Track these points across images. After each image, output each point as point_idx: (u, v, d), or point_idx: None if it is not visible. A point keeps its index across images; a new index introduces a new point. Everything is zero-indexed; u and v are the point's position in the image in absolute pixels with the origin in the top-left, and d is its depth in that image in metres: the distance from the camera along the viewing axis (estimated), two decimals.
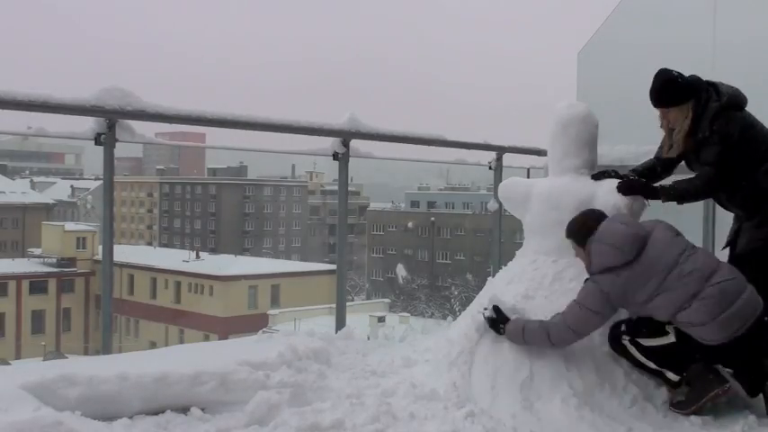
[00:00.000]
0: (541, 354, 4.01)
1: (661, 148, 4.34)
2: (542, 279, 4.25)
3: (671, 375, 3.84)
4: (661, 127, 4.21)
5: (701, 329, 3.67)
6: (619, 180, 4.20)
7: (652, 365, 3.85)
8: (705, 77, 5.41)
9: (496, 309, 3.97)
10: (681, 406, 3.78)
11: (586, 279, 3.89)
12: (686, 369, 3.81)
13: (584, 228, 3.92)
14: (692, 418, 3.71)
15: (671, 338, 3.79)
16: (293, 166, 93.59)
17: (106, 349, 4.45)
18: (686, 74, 4.07)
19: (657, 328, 3.82)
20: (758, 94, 5.36)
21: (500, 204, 5.23)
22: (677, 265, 3.74)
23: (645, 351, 3.83)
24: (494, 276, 4.67)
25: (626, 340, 3.86)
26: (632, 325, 3.86)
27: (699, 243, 5.31)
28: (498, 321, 3.95)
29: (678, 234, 3.88)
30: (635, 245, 3.77)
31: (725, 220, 5.36)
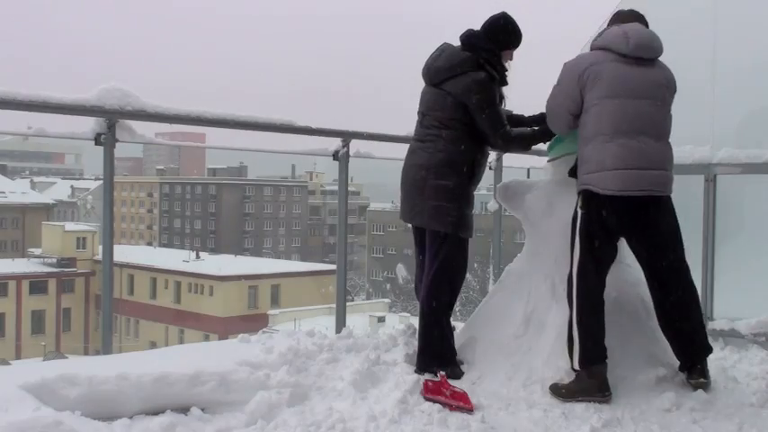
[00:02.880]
0: (540, 352, 4.03)
1: None
2: (544, 279, 4.28)
3: (575, 359, 3.83)
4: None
5: (602, 174, 3.79)
6: None
7: (574, 331, 3.84)
8: (706, 77, 5.44)
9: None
10: (561, 391, 3.81)
11: None
12: (593, 364, 3.80)
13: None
14: (692, 414, 3.70)
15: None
16: (293, 167, 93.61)
17: (106, 349, 4.44)
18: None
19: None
20: (759, 94, 5.38)
21: (500, 204, 5.23)
22: (643, 98, 3.83)
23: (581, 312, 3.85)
24: (494, 277, 4.68)
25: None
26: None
27: (699, 236, 5.33)
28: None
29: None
30: (642, 51, 3.88)
31: (726, 212, 5.37)
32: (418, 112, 4.33)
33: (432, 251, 4.20)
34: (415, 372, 4.03)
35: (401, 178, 4.33)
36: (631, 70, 3.88)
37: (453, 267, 4.19)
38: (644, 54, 3.92)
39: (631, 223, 3.92)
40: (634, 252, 4.08)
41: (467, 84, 4.08)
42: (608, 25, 4.18)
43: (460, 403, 3.65)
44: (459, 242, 4.18)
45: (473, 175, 4.22)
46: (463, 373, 4.10)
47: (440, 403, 3.64)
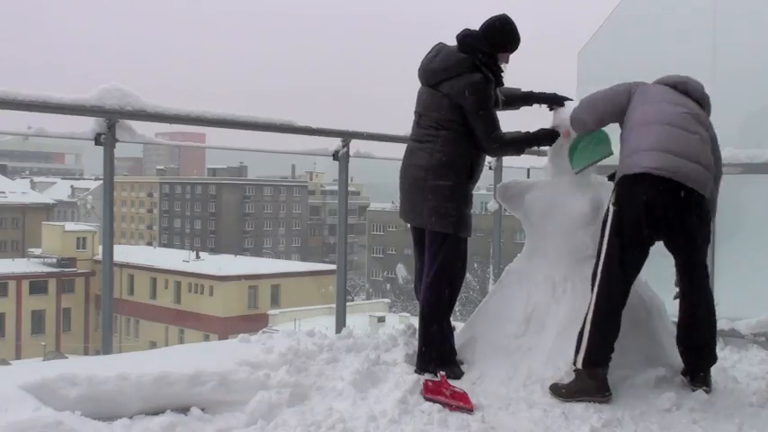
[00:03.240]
0: (539, 351, 4.03)
1: None
2: (544, 279, 4.28)
3: (580, 357, 3.83)
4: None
5: (638, 155, 3.82)
6: None
7: (586, 329, 3.83)
8: (705, 78, 5.42)
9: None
10: (561, 390, 3.81)
11: None
12: (597, 366, 3.80)
13: None
14: (692, 414, 3.70)
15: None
16: (293, 167, 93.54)
17: (106, 349, 4.44)
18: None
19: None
20: (759, 95, 5.38)
21: (500, 204, 5.23)
22: (684, 129, 3.88)
23: (596, 313, 3.83)
24: (494, 277, 4.68)
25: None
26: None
27: None
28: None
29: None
30: (687, 86, 4.04)
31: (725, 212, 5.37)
32: (415, 112, 4.32)
33: (431, 251, 4.20)
34: (415, 372, 4.04)
35: (400, 178, 4.34)
36: (677, 98, 3.97)
37: (453, 267, 4.19)
38: (689, 89, 4.03)
39: (662, 212, 3.83)
40: (668, 249, 4.04)
41: (462, 85, 4.07)
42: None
43: (460, 403, 3.65)
44: (458, 242, 4.18)
45: (472, 175, 4.23)
46: (463, 373, 4.10)
47: (440, 403, 3.64)
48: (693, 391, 3.91)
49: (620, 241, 3.85)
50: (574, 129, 4.29)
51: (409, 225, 4.38)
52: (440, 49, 4.24)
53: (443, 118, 4.13)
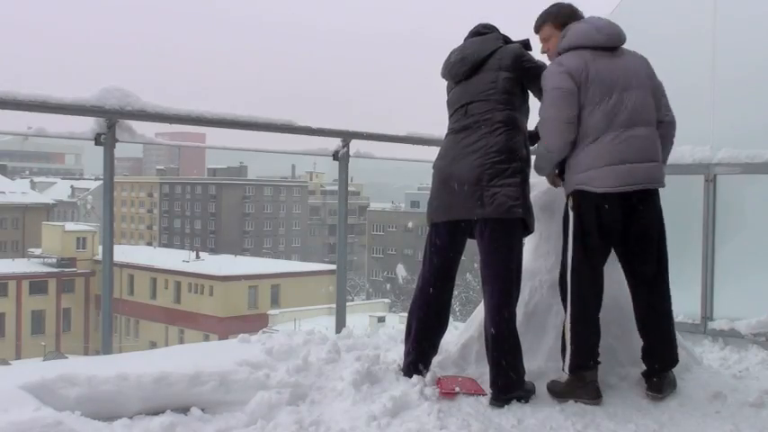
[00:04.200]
0: (541, 351, 4.04)
1: None
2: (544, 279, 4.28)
3: (566, 362, 3.83)
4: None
5: (594, 172, 3.72)
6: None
7: (567, 336, 3.81)
8: (706, 77, 5.44)
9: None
10: (554, 390, 3.82)
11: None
12: (583, 369, 3.79)
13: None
14: (692, 414, 3.70)
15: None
16: (293, 167, 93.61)
17: (106, 349, 4.44)
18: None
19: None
20: (758, 93, 5.38)
21: None
22: (629, 90, 3.76)
23: (573, 313, 3.81)
24: None
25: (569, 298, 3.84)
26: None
27: (699, 236, 5.34)
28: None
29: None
30: (615, 39, 3.85)
31: (726, 212, 5.38)
32: (457, 109, 3.97)
33: (494, 244, 3.78)
34: (496, 406, 3.67)
35: (445, 172, 3.89)
36: (611, 63, 3.81)
37: (520, 264, 3.87)
38: (617, 42, 3.87)
39: (625, 219, 3.81)
40: (618, 253, 3.98)
41: (512, 49, 3.93)
42: (553, 22, 4.05)
43: (473, 390, 3.76)
44: (525, 232, 3.90)
45: (530, 155, 3.96)
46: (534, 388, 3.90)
47: (459, 393, 3.70)
48: (647, 395, 3.86)
49: (583, 245, 3.82)
50: (544, 171, 4.14)
51: (437, 222, 3.95)
52: (464, 45, 4.05)
53: (499, 93, 3.84)
